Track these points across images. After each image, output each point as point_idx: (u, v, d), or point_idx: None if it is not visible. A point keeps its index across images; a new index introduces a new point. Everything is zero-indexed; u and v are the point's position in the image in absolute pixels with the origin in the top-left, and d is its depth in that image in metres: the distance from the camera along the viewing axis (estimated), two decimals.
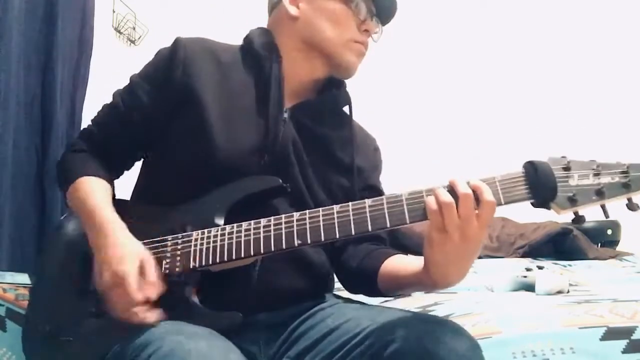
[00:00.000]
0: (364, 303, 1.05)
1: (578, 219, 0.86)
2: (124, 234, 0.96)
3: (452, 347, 0.81)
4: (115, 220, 0.98)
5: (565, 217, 0.86)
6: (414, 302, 1.50)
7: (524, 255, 2.65)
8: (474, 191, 0.83)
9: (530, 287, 1.62)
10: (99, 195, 1.03)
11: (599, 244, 2.88)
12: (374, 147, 1.25)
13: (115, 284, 0.90)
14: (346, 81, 1.18)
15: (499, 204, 0.85)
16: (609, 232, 2.93)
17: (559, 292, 1.56)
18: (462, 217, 0.83)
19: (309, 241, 0.90)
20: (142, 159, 1.16)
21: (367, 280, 1.06)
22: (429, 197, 0.85)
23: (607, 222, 2.92)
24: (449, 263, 0.88)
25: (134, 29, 2.59)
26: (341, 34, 1.09)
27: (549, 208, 0.86)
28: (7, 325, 1.22)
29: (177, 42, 1.08)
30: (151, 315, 0.89)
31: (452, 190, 0.84)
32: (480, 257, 2.60)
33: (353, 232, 0.88)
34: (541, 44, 3.38)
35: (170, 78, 1.05)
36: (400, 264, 1.02)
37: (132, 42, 2.61)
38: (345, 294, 1.16)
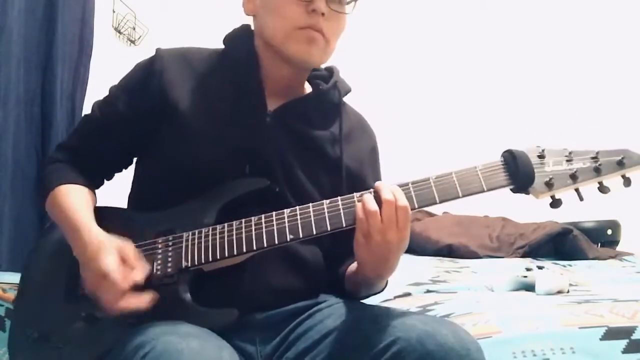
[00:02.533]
0: (363, 303, 1.05)
1: (555, 203, 0.92)
2: (97, 232, 0.96)
3: (453, 347, 0.81)
4: (89, 221, 0.98)
5: (544, 202, 0.93)
6: (414, 301, 1.50)
7: (524, 255, 2.65)
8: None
9: (530, 287, 1.62)
10: (75, 202, 1.02)
11: (599, 244, 2.87)
12: (371, 147, 1.18)
13: (99, 280, 0.90)
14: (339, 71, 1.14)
15: (481, 191, 0.91)
16: (609, 232, 2.92)
17: (559, 292, 1.55)
18: (384, 222, 0.88)
19: (300, 235, 0.92)
20: (134, 166, 1.15)
21: (341, 286, 1.08)
22: (358, 204, 0.90)
23: (607, 222, 2.93)
24: (376, 261, 0.93)
25: (134, 29, 2.59)
26: (284, 24, 1.00)
27: (527, 193, 0.93)
28: (7, 325, 1.22)
29: (155, 53, 1.08)
30: (142, 300, 0.89)
31: (377, 196, 0.89)
32: (480, 257, 2.61)
33: (344, 224, 0.92)
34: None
35: (147, 89, 1.04)
36: (353, 266, 1.05)
37: (132, 42, 2.60)
38: None
